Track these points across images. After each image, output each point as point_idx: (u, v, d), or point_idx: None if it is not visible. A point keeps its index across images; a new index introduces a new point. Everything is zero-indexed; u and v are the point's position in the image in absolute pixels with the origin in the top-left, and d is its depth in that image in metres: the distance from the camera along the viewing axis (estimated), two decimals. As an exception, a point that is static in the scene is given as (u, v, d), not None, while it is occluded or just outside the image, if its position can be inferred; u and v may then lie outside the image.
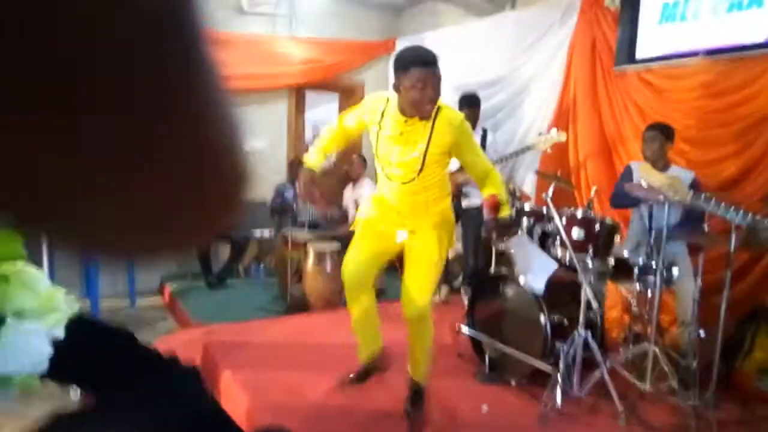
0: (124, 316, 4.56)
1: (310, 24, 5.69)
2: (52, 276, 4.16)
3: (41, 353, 0.89)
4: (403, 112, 2.23)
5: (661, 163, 3.26)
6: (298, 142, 5.89)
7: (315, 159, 2.52)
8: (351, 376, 2.73)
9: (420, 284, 2.36)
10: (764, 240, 2.56)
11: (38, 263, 3.09)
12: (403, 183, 2.34)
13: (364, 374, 2.72)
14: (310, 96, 5.94)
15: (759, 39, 3.20)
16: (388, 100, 2.30)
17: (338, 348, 2.89)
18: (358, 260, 2.47)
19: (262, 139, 5.63)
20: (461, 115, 2.31)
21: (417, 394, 2.53)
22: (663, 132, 3.24)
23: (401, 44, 6.02)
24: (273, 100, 5.71)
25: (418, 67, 2.08)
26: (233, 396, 2.74)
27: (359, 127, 2.51)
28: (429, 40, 5.55)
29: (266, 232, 5.31)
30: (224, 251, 5.22)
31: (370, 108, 2.38)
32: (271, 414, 2.48)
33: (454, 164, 4.16)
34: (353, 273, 2.47)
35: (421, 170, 2.28)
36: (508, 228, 2.48)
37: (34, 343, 0.88)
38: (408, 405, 2.51)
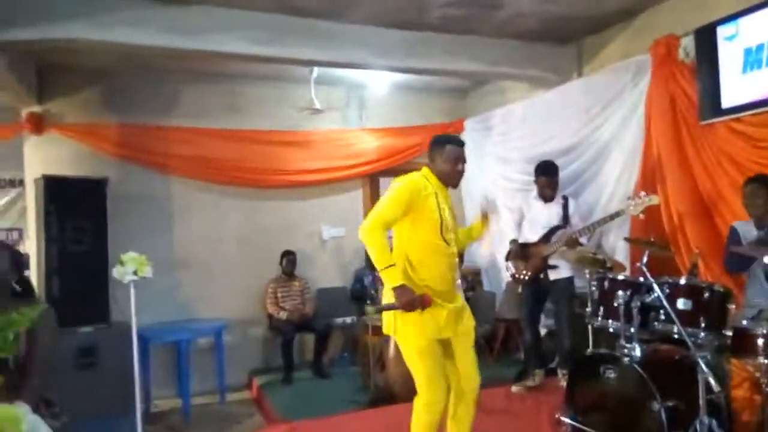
0: (213, 411, 4.58)
1: (379, 115, 5.92)
2: (147, 378, 4.31)
3: None
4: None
5: (767, 219, 2.92)
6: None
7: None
8: None
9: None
10: None
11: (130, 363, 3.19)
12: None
13: None
14: (384, 182, 6.06)
15: None
16: (423, 176, 2.57)
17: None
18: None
19: (341, 227, 5.75)
20: None
21: None
22: (765, 183, 2.94)
23: (470, 124, 6.07)
24: (349, 189, 5.88)
25: (454, 146, 2.60)
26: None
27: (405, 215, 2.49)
28: (498, 117, 5.56)
29: (348, 320, 5.26)
30: (309, 343, 5.22)
31: (416, 187, 2.47)
32: None
33: (533, 235, 4.04)
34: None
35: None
36: None
37: None
38: None
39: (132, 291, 3.21)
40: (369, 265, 5.54)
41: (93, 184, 4.45)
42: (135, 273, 3.14)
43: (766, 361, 2.53)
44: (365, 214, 5.86)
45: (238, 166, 5.31)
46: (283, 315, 5.08)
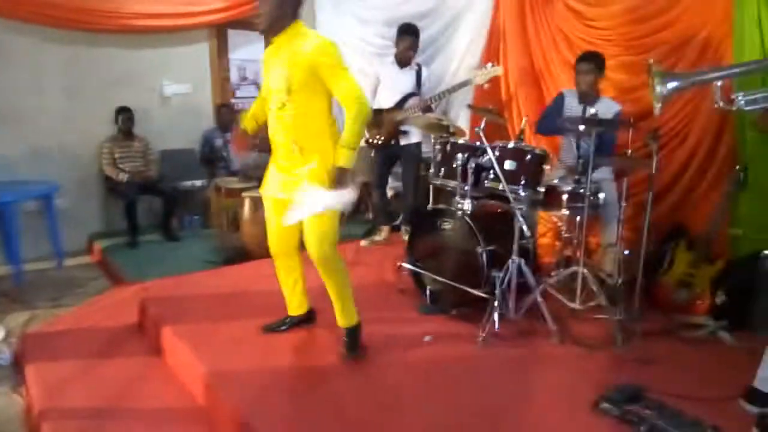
0: (51, 277, 4.33)
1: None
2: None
3: None
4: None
5: (592, 95, 3.33)
6: (224, 86, 5.59)
7: (247, 122, 2.64)
8: (268, 324, 2.82)
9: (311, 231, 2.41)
10: None
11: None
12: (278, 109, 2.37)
13: (287, 325, 2.82)
14: (234, 36, 5.61)
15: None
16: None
17: (280, 295, 2.87)
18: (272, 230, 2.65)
19: (185, 83, 5.31)
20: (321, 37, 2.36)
21: (348, 338, 2.57)
22: (596, 63, 3.29)
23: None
24: (195, 40, 5.35)
25: None
26: (176, 351, 2.69)
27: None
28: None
29: (198, 183, 5.11)
30: (155, 206, 5.01)
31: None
32: (215, 367, 2.46)
33: (387, 101, 4.16)
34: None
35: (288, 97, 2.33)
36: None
37: None
38: (343, 349, 2.56)
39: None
40: (221, 126, 5.30)
41: None
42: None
43: (566, 213, 3.06)
44: (213, 70, 5.50)
45: (60, 4, 4.48)
46: (123, 177, 4.75)
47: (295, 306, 2.82)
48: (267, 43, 2.47)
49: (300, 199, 2.33)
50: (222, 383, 2.32)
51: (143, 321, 3.16)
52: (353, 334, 2.58)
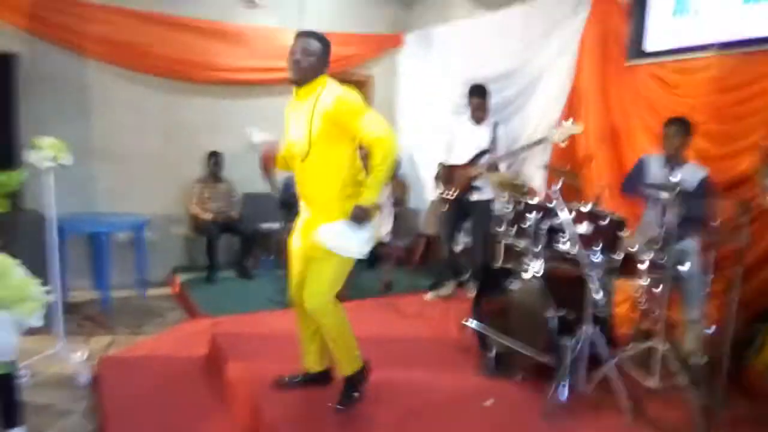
0: (134, 305, 4.61)
1: (319, 17, 5.67)
2: (64, 269, 4.21)
3: (7, 343, 0.89)
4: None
5: (678, 159, 3.23)
6: (306, 136, 5.88)
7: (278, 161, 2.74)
8: (285, 378, 2.71)
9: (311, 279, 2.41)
10: None
11: (43, 257, 3.13)
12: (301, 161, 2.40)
13: (302, 380, 2.70)
14: (320, 89, 5.93)
15: (773, 32, 3.14)
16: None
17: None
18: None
19: (271, 132, 5.62)
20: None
21: (347, 388, 2.49)
22: (684, 127, 3.21)
23: (410, 38, 6.00)
24: (282, 93, 5.70)
25: (295, 38, 2.44)
26: (238, 385, 2.76)
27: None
28: (438, 34, 5.53)
29: (275, 225, 5.33)
30: (234, 244, 5.26)
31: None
32: (271, 404, 2.50)
33: (462, 157, 4.21)
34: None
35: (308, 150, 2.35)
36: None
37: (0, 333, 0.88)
38: (338, 400, 2.47)
39: (50, 177, 3.07)
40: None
41: (1, 58, 4.06)
42: (52, 159, 2.98)
43: (645, 283, 2.91)
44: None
45: (164, 55, 4.98)
46: (207, 216, 5.05)
47: (312, 361, 2.69)
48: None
49: (323, 231, 2.33)
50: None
51: (211, 354, 3.28)
52: (355, 379, 2.49)
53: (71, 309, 4.21)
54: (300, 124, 2.38)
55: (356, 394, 2.50)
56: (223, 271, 5.09)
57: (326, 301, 2.38)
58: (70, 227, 4.34)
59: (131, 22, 4.80)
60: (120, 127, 4.99)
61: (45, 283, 2.09)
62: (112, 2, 4.72)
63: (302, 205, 2.58)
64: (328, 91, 2.34)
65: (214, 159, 5.21)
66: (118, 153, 4.99)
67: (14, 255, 0.96)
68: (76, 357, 3.23)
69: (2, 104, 4.09)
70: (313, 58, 2.35)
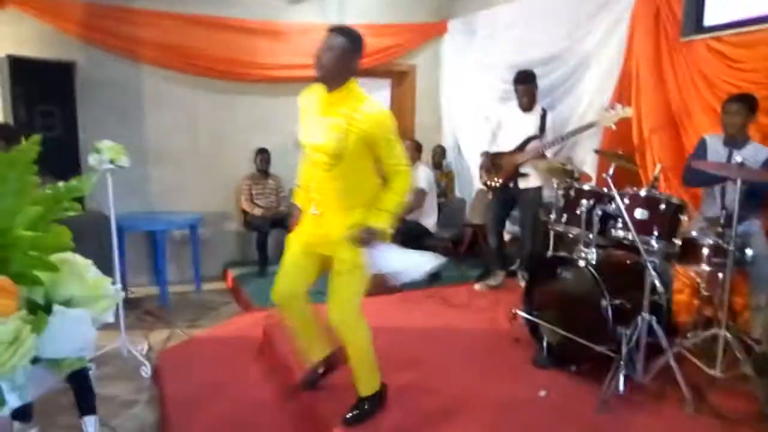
0: (191, 300, 4.78)
1: (360, 9, 5.67)
2: (124, 266, 4.42)
3: (87, 339, 0.94)
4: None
5: (741, 138, 3.05)
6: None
7: (301, 200, 2.54)
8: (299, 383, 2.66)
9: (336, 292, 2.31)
10: None
11: (105, 255, 3.29)
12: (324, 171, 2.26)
13: (313, 378, 2.63)
14: (362, 83, 5.92)
15: None
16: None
17: (387, 333, 2.89)
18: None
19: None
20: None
21: (360, 408, 2.37)
22: (748, 105, 3.02)
23: (453, 25, 5.91)
24: (326, 88, 5.75)
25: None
26: (289, 373, 2.82)
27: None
28: (482, 20, 5.43)
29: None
30: (284, 239, 5.34)
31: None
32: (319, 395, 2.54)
33: (509, 144, 4.13)
34: None
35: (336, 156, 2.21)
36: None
37: (81, 329, 0.93)
38: (350, 414, 2.35)
39: (109, 179, 3.22)
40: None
41: (61, 67, 4.27)
42: (111, 161, 3.12)
43: (707, 268, 2.78)
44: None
45: (212, 56, 5.11)
46: (257, 212, 5.17)
47: (319, 349, 2.59)
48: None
49: (372, 256, 2.20)
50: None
51: (264, 344, 3.36)
52: (371, 402, 2.38)
53: (131, 304, 4.40)
54: (328, 134, 2.21)
55: (368, 409, 2.39)
56: (273, 265, 5.16)
57: (354, 312, 2.31)
58: (129, 226, 4.54)
59: (180, 25, 4.95)
60: (172, 128, 5.16)
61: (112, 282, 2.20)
62: (160, 7, 4.88)
63: (311, 201, 2.42)
64: (360, 104, 2.20)
65: (262, 156, 5.32)
66: (172, 153, 5.17)
67: (84, 255, 1.03)
68: (138, 350, 3.38)
69: (64, 111, 4.30)
70: (335, 54, 2.17)
